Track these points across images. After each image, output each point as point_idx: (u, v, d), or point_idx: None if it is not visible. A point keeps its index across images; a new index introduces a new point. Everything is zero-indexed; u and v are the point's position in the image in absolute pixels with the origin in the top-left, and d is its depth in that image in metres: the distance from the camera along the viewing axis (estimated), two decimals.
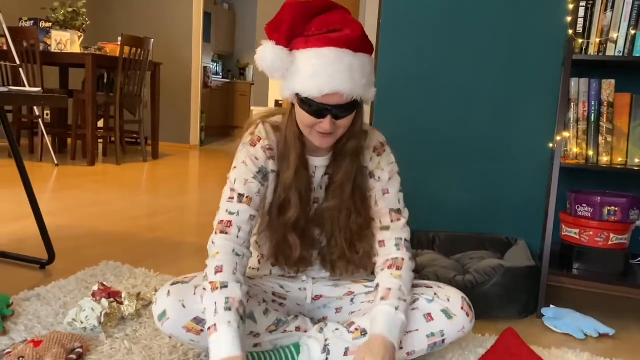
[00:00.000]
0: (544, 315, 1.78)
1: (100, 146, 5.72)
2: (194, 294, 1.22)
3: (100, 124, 5.40)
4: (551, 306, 1.80)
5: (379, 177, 1.34)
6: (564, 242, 1.93)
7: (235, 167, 1.28)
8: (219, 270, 1.15)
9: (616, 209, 1.81)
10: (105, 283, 1.67)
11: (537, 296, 1.84)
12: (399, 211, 1.34)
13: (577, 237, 1.87)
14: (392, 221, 1.33)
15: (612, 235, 1.82)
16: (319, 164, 1.33)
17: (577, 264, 1.88)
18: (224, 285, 1.13)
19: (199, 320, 1.21)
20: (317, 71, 1.14)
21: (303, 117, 1.21)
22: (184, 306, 1.21)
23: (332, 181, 1.32)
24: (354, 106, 1.20)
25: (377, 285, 1.28)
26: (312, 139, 1.24)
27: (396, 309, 1.21)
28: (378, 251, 1.34)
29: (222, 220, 1.21)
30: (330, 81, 1.13)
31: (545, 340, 1.64)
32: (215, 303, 1.11)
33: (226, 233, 1.20)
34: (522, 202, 2.27)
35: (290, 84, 1.19)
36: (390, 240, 1.32)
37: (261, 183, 1.26)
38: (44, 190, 3.48)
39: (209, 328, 1.10)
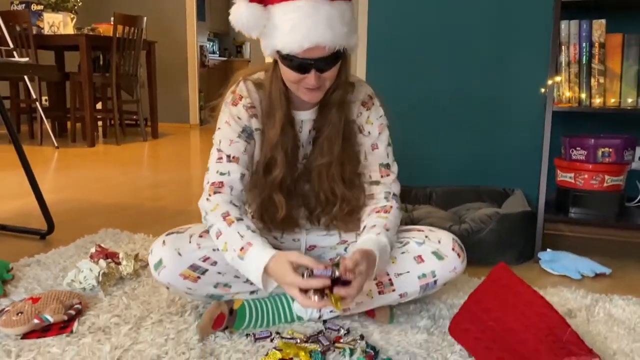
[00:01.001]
0: (540, 259, 1.79)
1: (100, 129, 5.72)
2: (189, 242, 1.23)
3: (99, 106, 5.40)
4: (548, 250, 1.80)
5: (369, 132, 1.33)
6: (560, 187, 1.93)
7: (219, 128, 1.28)
8: (226, 214, 1.18)
9: (610, 150, 1.80)
10: (102, 245, 1.68)
11: (534, 241, 1.85)
12: (387, 166, 1.34)
13: (572, 181, 1.87)
14: (381, 176, 1.33)
15: (607, 177, 1.81)
16: (305, 117, 1.31)
17: (573, 208, 1.88)
18: (240, 219, 1.18)
19: (195, 267, 1.22)
20: (294, 25, 1.10)
21: (287, 73, 1.18)
22: (179, 254, 1.22)
23: (319, 135, 1.30)
24: (337, 57, 1.16)
25: (364, 228, 1.27)
26: (300, 95, 1.22)
27: (377, 234, 1.21)
28: (367, 204, 1.33)
29: (214, 182, 1.23)
30: (309, 34, 1.09)
31: (543, 282, 1.65)
32: (238, 232, 1.15)
33: (220, 192, 1.22)
34: (518, 152, 2.27)
35: (270, 42, 1.15)
36: (380, 194, 1.32)
37: (246, 141, 1.26)
38: (46, 171, 3.50)
39: (241, 248, 1.13)
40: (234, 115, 1.26)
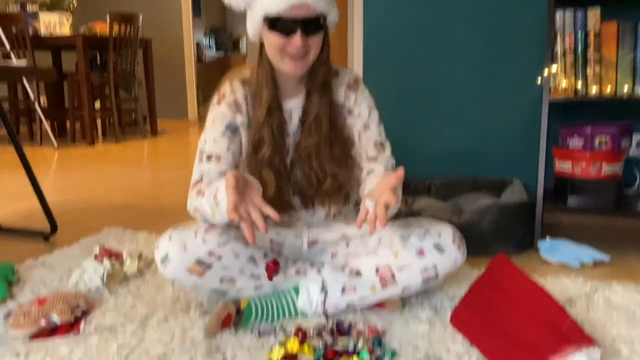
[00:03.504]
0: (540, 248, 1.80)
1: (100, 128, 5.74)
2: (195, 237, 1.25)
3: (98, 105, 5.41)
4: (547, 238, 1.82)
5: (359, 113, 1.38)
6: (558, 176, 1.94)
7: (205, 129, 1.34)
8: (198, 192, 1.25)
9: (607, 138, 1.81)
10: (106, 245, 1.70)
11: (533, 231, 1.86)
12: (382, 144, 1.39)
13: (570, 169, 1.88)
14: (378, 153, 1.37)
15: (604, 165, 1.82)
16: (293, 106, 1.36)
17: (571, 197, 1.89)
18: (209, 184, 1.24)
19: (200, 262, 1.24)
20: None
21: (273, 41, 1.23)
22: (185, 249, 1.24)
23: (306, 118, 1.35)
24: (320, 24, 1.22)
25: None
26: (285, 66, 1.26)
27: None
28: (367, 179, 1.36)
29: (194, 181, 1.30)
30: None
31: (543, 271, 1.66)
32: (209, 190, 1.20)
33: (199, 184, 1.29)
34: (516, 142, 2.28)
35: (258, 9, 1.21)
36: (380, 166, 1.36)
37: (230, 139, 1.31)
38: (47, 172, 3.52)
39: (214, 197, 1.17)
40: (218, 113, 1.32)
